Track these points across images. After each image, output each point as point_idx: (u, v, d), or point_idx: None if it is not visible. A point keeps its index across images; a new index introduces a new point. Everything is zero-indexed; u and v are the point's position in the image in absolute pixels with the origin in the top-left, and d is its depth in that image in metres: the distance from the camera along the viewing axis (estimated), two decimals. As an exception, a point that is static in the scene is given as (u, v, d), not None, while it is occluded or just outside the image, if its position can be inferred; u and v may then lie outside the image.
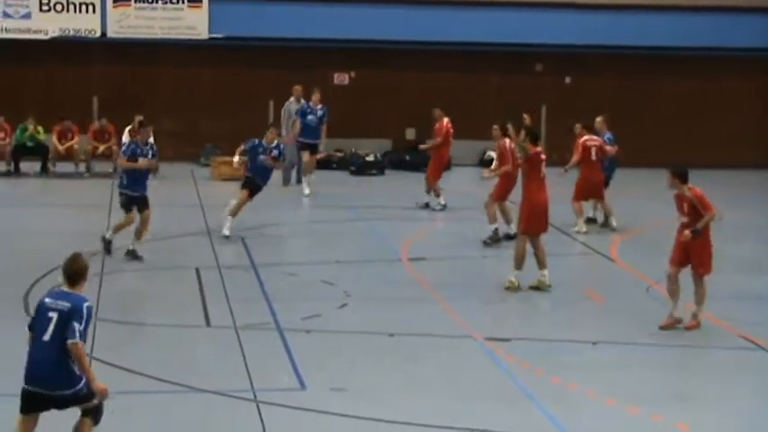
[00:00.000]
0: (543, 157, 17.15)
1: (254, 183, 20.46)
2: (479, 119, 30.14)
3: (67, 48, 29.88)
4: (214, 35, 29.98)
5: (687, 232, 14.48)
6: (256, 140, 20.58)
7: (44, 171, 27.94)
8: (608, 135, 22.07)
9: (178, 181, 27.28)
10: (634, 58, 30.98)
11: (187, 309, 15.58)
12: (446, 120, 23.93)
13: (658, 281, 17.14)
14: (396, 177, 29.07)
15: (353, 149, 30.18)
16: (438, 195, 23.50)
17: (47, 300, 9.55)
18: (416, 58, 30.56)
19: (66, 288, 9.61)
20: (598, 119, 22.22)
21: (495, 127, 20.30)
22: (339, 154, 30.28)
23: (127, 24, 29.90)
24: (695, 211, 14.56)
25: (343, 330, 14.80)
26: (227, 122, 29.85)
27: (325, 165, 29.20)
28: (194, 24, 29.95)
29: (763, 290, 17.29)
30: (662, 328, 14.75)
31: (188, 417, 11.62)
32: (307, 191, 25.12)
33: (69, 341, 9.27)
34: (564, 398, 12.36)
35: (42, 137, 28.12)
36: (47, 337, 9.37)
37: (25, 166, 27.90)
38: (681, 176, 14.70)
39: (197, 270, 17.70)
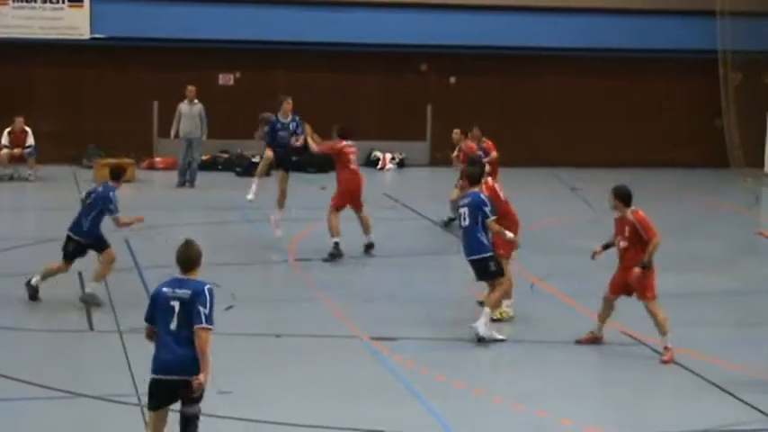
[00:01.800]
0: (497, 189, 15.32)
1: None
2: (365, 119, 30.27)
3: (-56, 48, 29.24)
4: (96, 35, 29.57)
5: (637, 269, 13.43)
6: (480, 194, 14.61)
7: None
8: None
9: (60, 183, 26.87)
10: (518, 58, 31.28)
11: (69, 313, 15.35)
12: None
13: (542, 278, 17.35)
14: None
15: (239, 151, 30.02)
16: None
17: (164, 289, 9.37)
18: (302, 59, 30.51)
19: (180, 275, 9.45)
20: (456, 130, 22.15)
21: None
22: (224, 155, 30.10)
23: (4, 24, 29.33)
24: (636, 235, 13.58)
25: (229, 332, 14.66)
26: (110, 124, 29.48)
27: (210, 166, 29.03)
28: (76, 24, 29.50)
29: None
30: (579, 342, 14.20)
31: (71, 423, 11.46)
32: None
33: (197, 326, 9.15)
34: (450, 396, 12.44)
35: None
36: (172, 327, 9.25)
37: None
38: (623, 197, 13.72)
39: (80, 274, 17.43)
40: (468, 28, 30.71)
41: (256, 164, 29.21)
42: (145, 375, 12.55)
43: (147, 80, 29.91)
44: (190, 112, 26.97)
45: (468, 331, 14.67)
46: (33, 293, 15.79)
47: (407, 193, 26.02)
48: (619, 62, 31.57)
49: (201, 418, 11.42)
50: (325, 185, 27.64)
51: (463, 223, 14.45)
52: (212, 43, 29.99)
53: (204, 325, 9.18)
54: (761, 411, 12.11)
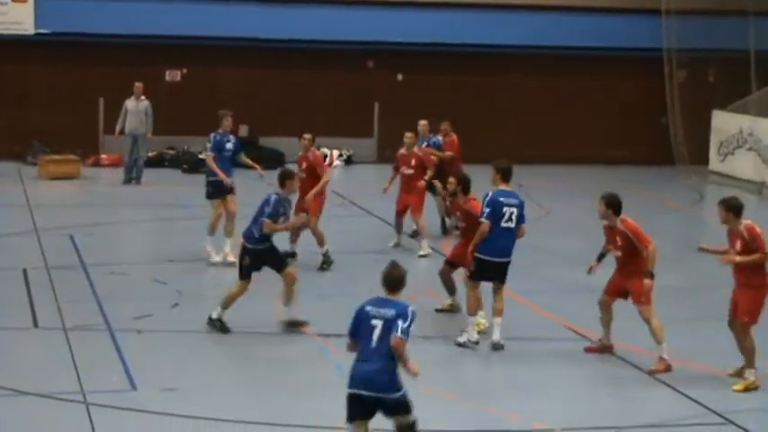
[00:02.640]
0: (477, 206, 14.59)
1: None
2: (312, 116, 30.21)
3: None
4: (41, 31, 29.29)
5: (647, 281, 13.21)
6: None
7: None
8: (434, 140, 21.60)
9: (4, 179, 26.59)
10: (467, 56, 31.30)
11: (13, 310, 15.20)
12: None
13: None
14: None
15: (186, 147, 29.85)
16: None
17: (368, 308, 9.68)
18: (249, 56, 30.38)
19: (385, 295, 9.74)
20: (422, 122, 21.65)
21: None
22: (171, 152, 29.92)
23: (-53, 19, 28.98)
24: (629, 244, 13.36)
25: (175, 330, 14.64)
26: (55, 120, 29.16)
27: (156, 163, 28.84)
28: (20, 19, 29.18)
29: (589, 282, 17.55)
30: (587, 350, 14.02)
31: (14, 421, 11.33)
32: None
33: (394, 336, 9.48)
34: (397, 392, 12.43)
35: None
36: (373, 345, 9.55)
37: None
38: (615, 207, 13.44)
39: (24, 271, 17.29)
40: (415, 24, 30.70)
41: (203, 160, 29.02)
42: (90, 372, 12.54)
43: (92, 76, 29.62)
44: (136, 108, 26.78)
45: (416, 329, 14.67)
46: (223, 328, 14.48)
47: (355, 191, 25.98)
48: (567, 60, 31.65)
49: (145, 415, 11.42)
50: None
51: (508, 224, 14.02)
52: (159, 39, 29.77)
53: (399, 335, 9.50)
54: (704, 406, 12.24)
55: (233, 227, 18.31)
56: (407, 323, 9.57)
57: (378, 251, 19.51)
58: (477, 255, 14.11)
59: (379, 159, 30.89)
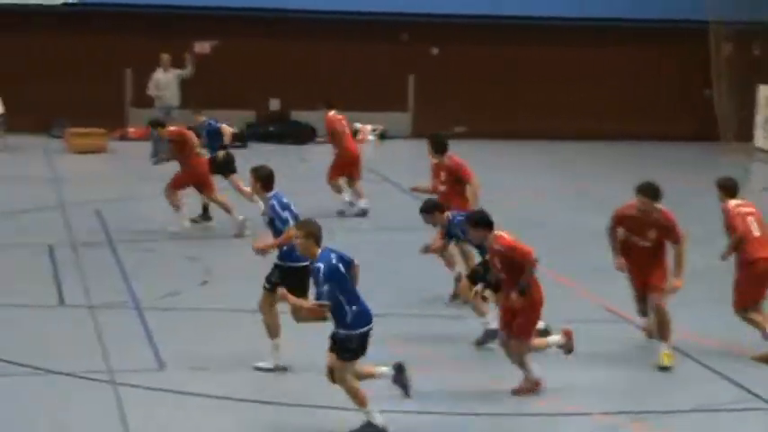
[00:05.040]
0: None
1: None
2: (344, 89, 29.77)
3: None
4: (68, 1, 28.86)
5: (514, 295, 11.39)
6: None
7: None
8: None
9: (29, 153, 26.19)
10: (503, 27, 30.68)
11: (39, 287, 14.79)
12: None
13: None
14: (260, 150, 28.33)
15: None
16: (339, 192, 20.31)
17: (340, 264, 10.34)
18: (278, 27, 29.88)
19: (328, 246, 10.54)
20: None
21: None
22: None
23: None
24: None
25: (202, 308, 14.20)
26: (81, 92, 28.65)
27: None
28: (46, -10, 28.75)
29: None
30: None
31: (41, 400, 10.96)
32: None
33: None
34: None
35: None
36: (353, 287, 10.50)
37: None
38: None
39: (50, 247, 16.89)
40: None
41: (234, 134, 28.51)
42: (117, 351, 12.11)
43: (118, 47, 29.03)
44: (167, 80, 26.36)
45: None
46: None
47: (390, 167, 25.41)
48: (610, 32, 30.98)
49: (173, 395, 11.08)
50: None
51: None
52: (188, 9, 29.27)
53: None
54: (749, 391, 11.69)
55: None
56: None
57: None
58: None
59: (414, 134, 30.30)
